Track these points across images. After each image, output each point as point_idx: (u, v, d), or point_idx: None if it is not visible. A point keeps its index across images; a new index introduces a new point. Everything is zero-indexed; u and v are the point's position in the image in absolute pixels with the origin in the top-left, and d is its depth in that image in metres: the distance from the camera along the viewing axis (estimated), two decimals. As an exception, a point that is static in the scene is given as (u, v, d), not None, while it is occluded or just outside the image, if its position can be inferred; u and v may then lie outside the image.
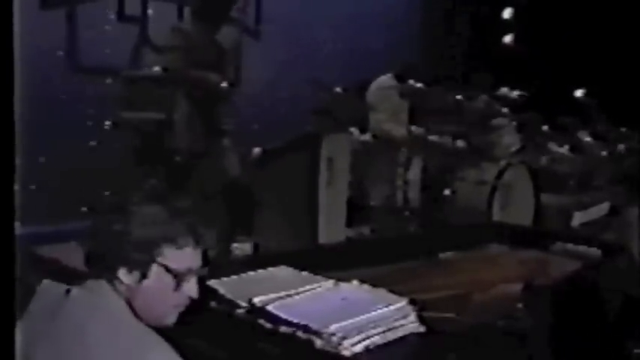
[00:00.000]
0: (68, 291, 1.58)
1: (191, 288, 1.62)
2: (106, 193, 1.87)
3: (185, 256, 1.60)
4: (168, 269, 1.58)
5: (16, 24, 1.03)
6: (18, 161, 1.05)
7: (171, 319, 1.63)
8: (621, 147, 6.36)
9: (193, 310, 1.66)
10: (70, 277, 1.64)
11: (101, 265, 1.58)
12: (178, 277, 1.59)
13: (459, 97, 5.57)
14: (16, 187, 1.02)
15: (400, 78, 5.70)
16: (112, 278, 1.57)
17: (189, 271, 1.61)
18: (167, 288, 1.59)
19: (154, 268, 1.57)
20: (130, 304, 1.57)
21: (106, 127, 4.62)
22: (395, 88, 5.66)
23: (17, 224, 1.02)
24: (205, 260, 1.66)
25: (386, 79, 5.84)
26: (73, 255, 1.69)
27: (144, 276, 1.57)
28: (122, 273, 1.56)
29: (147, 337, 1.52)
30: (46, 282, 1.65)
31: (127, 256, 1.55)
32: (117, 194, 1.65)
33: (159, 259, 1.57)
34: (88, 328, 1.50)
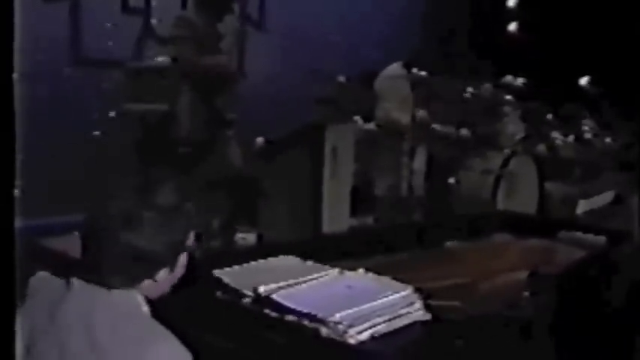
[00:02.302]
0: (68, 283, 1.59)
1: (181, 262, 1.68)
2: (100, 204, 1.91)
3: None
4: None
5: (18, 15, 1.03)
6: (20, 153, 1.05)
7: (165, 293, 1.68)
8: (625, 135, 6.34)
9: (187, 281, 1.71)
10: (74, 269, 1.64)
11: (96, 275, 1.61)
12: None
13: (468, 87, 5.55)
14: (18, 179, 1.02)
15: (409, 66, 5.67)
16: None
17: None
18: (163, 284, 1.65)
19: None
20: None
21: (109, 118, 4.62)
22: (404, 77, 5.63)
23: (19, 217, 1.02)
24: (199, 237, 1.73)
25: (395, 68, 5.80)
26: (77, 247, 1.70)
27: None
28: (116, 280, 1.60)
29: (151, 327, 1.53)
30: (42, 274, 1.66)
31: (120, 267, 1.60)
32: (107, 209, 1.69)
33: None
34: (91, 319, 1.51)
